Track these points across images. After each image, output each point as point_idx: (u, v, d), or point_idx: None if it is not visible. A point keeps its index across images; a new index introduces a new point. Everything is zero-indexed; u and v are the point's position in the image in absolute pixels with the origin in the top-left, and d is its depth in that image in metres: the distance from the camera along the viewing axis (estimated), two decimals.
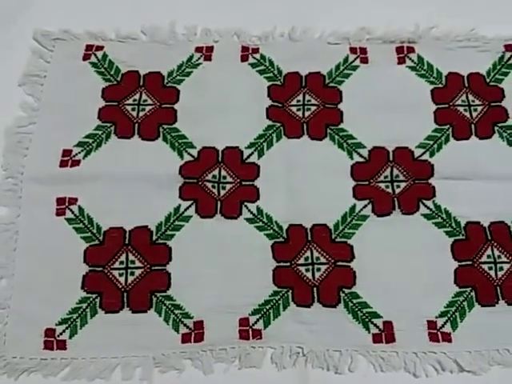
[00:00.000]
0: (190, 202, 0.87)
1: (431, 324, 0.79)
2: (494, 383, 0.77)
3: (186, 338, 0.78)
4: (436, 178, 0.87)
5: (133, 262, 0.83)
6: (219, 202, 0.87)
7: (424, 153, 0.90)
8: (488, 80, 0.97)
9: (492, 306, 0.80)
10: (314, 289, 0.81)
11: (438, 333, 0.79)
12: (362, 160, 0.89)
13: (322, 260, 0.84)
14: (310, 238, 0.85)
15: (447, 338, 0.78)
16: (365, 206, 0.87)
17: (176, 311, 0.80)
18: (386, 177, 0.89)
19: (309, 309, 0.79)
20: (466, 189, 0.86)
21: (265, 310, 0.80)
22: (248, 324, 0.79)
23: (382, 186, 0.88)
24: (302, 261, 0.84)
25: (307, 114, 0.94)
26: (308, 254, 0.84)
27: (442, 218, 0.85)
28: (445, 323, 0.79)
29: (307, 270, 0.83)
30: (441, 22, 1.00)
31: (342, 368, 0.77)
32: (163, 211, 0.86)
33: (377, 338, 0.79)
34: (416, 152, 0.89)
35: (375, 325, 0.80)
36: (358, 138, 0.91)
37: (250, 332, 0.79)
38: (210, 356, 0.77)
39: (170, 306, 0.80)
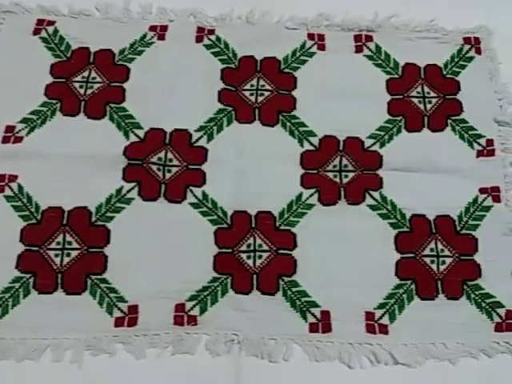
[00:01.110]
0: (132, 184, 0.87)
1: (369, 315, 0.80)
2: (428, 377, 0.78)
3: (119, 322, 0.78)
4: (384, 169, 0.88)
5: (70, 243, 0.84)
6: (163, 186, 0.87)
7: (374, 143, 0.91)
8: (445, 72, 0.98)
9: (431, 299, 0.81)
10: (254, 276, 0.82)
11: (375, 324, 0.80)
12: (312, 148, 0.90)
13: (265, 247, 0.84)
14: (253, 225, 0.86)
15: (384, 329, 0.80)
16: (311, 195, 0.87)
17: (111, 294, 0.80)
18: (334, 166, 0.90)
19: (247, 296, 0.80)
20: (414, 181, 0.87)
21: (202, 297, 0.80)
22: (184, 310, 0.79)
23: (330, 175, 0.89)
24: (244, 248, 0.85)
25: (260, 99, 0.94)
26: (251, 241, 0.85)
27: (387, 209, 0.86)
28: (383, 315, 0.81)
29: (248, 257, 0.84)
30: (401, 11, 1.01)
31: (277, 356, 0.77)
32: (104, 192, 0.86)
33: (313, 328, 0.80)
34: (366, 142, 0.91)
35: (313, 314, 0.80)
36: (309, 126, 0.92)
37: (185, 318, 0.79)
38: (143, 341, 0.78)
39: (104, 289, 0.81)
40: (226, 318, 0.79)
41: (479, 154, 0.90)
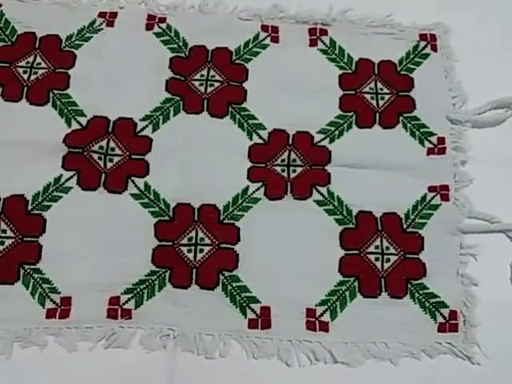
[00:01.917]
0: (72, 173, 0.85)
1: (310, 312, 0.80)
2: (367, 376, 0.78)
3: (50, 314, 0.78)
4: (333, 164, 0.88)
5: (4, 231, 0.83)
6: (104, 175, 0.86)
7: (324, 139, 0.90)
8: (399, 69, 0.98)
9: (374, 297, 0.81)
10: (194, 270, 0.81)
11: (316, 321, 0.80)
12: (260, 142, 0.89)
13: (207, 241, 0.84)
14: (196, 218, 0.86)
15: (324, 327, 0.80)
16: (258, 189, 0.87)
17: (44, 285, 0.79)
18: (283, 160, 0.89)
19: (185, 290, 0.79)
20: (362, 177, 0.87)
21: (138, 290, 0.80)
22: (118, 303, 0.79)
23: (278, 169, 0.88)
24: (185, 241, 0.84)
25: (210, 89, 0.93)
26: (193, 234, 0.85)
27: (333, 205, 0.86)
28: (324, 312, 0.80)
29: (189, 251, 0.84)
30: (356, 5, 1.02)
31: (213, 352, 0.77)
32: (42, 180, 0.84)
33: (252, 324, 0.79)
34: (316, 137, 0.90)
35: (252, 310, 0.80)
36: (259, 119, 0.91)
37: (119, 311, 0.78)
38: (75, 333, 0.77)
39: (38, 280, 0.80)
40: (162, 313, 0.78)
41: (430, 151, 0.89)
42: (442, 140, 0.90)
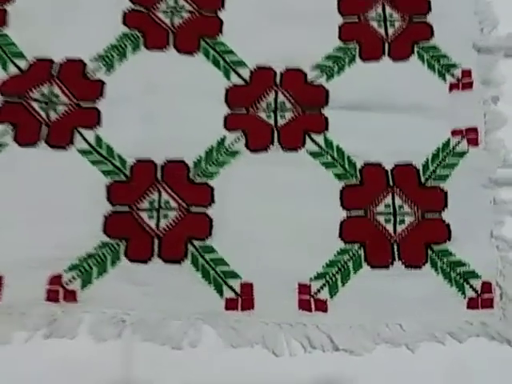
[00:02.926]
0: (7, 126, 0.75)
1: (303, 288, 0.70)
2: (378, 367, 0.68)
3: None
4: (331, 107, 0.78)
5: None
6: (46, 128, 0.76)
7: (320, 76, 0.80)
8: None
9: (385, 267, 0.72)
10: (156, 240, 0.71)
11: (311, 299, 0.70)
12: (241, 82, 0.80)
13: (172, 204, 0.74)
14: (160, 177, 0.75)
15: (322, 306, 0.70)
16: (237, 140, 0.77)
17: None
18: (268, 104, 0.79)
19: (145, 265, 0.70)
20: (368, 122, 0.78)
21: (86, 266, 0.70)
22: (60, 282, 0.69)
23: (263, 115, 0.78)
24: (145, 205, 0.73)
25: (177, 21, 0.82)
26: (155, 196, 0.74)
27: (332, 156, 0.76)
28: (321, 288, 0.71)
29: (150, 217, 0.73)
30: None
31: (181, 342, 0.68)
32: None
33: (231, 304, 0.69)
34: (310, 75, 0.80)
35: (231, 287, 0.70)
36: (239, 55, 0.81)
37: (62, 293, 0.69)
38: (8, 321, 0.67)
39: None
40: (115, 294, 0.69)
41: (453, 87, 0.80)
42: (467, 73, 0.81)
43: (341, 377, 0.68)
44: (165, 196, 0.74)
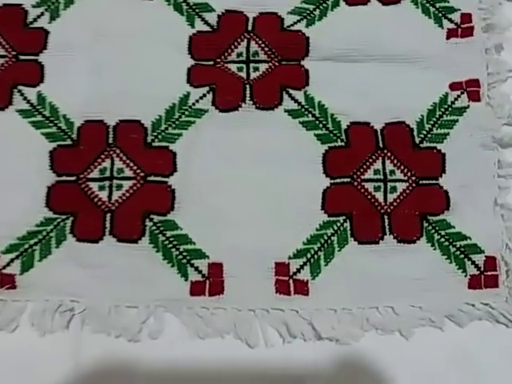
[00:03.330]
0: None
1: (281, 268, 0.63)
2: (367, 357, 0.61)
3: None
4: (312, 58, 0.71)
5: None
6: None
7: (298, 21, 0.72)
8: None
9: (374, 243, 0.64)
10: (108, 215, 0.64)
11: (290, 281, 0.63)
12: (207, 29, 0.72)
13: (127, 173, 0.66)
14: (111, 141, 0.67)
15: (303, 288, 0.63)
16: (203, 96, 0.69)
17: None
18: (239, 55, 0.71)
19: (96, 245, 0.63)
20: (354, 75, 0.71)
21: (26, 246, 0.62)
22: None
23: (233, 67, 0.71)
24: (95, 174, 0.65)
25: None
26: (106, 164, 0.66)
27: (313, 115, 0.69)
28: (301, 267, 0.63)
29: (102, 188, 0.65)
30: None
31: (138, 333, 0.60)
32: None
33: (197, 289, 0.62)
34: (287, 19, 0.72)
35: (197, 268, 0.63)
36: None
37: None
38: None
39: None
40: (61, 278, 0.62)
41: (450, 34, 0.73)
42: (467, 17, 0.73)
43: (325, 369, 0.61)
44: (118, 163, 0.66)
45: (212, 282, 0.62)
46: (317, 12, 0.73)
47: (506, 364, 0.61)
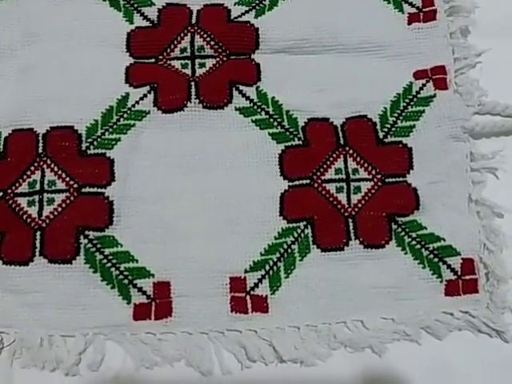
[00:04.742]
0: None
1: (236, 283, 0.58)
2: (335, 377, 0.56)
3: None
4: (263, 50, 0.67)
5: None
6: None
7: (247, 11, 0.68)
8: None
9: (339, 249, 0.60)
10: (38, 233, 0.58)
11: (247, 297, 0.58)
12: (146, 24, 0.68)
13: (59, 185, 0.61)
14: (41, 150, 0.62)
15: (262, 305, 0.58)
16: (143, 97, 0.64)
17: None
18: (183, 50, 0.67)
19: (25, 267, 0.57)
20: (310, 67, 0.67)
21: None
22: None
23: (176, 64, 0.66)
24: (24, 188, 0.60)
25: None
26: (36, 176, 0.61)
27: (267, 113, 0.65)
28: (259, 281, 0.59)
29: (31, 204, 0.60)
30: None
31: (73, 364, 0.54)
32: None
33: (141, 312, 0.57)
34: (234, 10, 0.68)
35: (140, 289, 0.57)
36: None
37: None
38: None
39: None
40: None
41: (412, 19, 0.69)
42: (429, 0, 0.70)
43: None
44: (49, 175, 0.61)
45: (158, 304, 0.57)
46: (266, 1, 0.70)
47: (490, 379, 0.56)
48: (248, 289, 0.58)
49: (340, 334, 0.57)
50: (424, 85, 0.66)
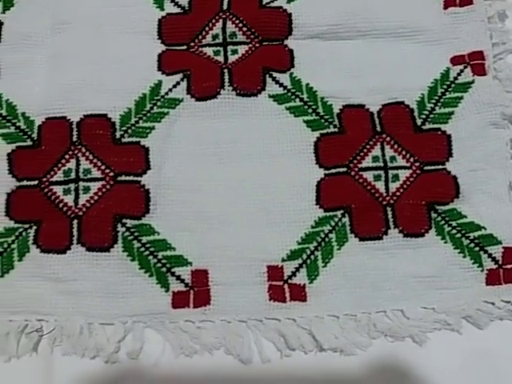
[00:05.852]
0: None
1: (274, 271, 0.59)
2: (376, 368, 0.57)
3: None
4: (296, 36, 0.68)
5: None
6: None
7: None
8: None
9: (377, 238, 0.61)
10: (75, 222, 0.60)
11: (285, 286, 0.59)
12: (177, 11, 0.69)
13: (95, 174, 0.62)
14: (75, 138, 0.64)
15: (300, 294, 0.59)
16: (176, 84, 0.66)
17: None
18: (215, 37, 0.68)
19: (63, 255, 0.59)
20: (344, 53, 0.67)
21: None
22: None
23: (209, 51, 0.68)
24: (59, 176, 0.62)
25: None
26: (71, 164, 0.63)
27: (302, 100, 0.65)
28: (297, 270, 0.60)
29: (67, 192, 0.62)
30: None
31: (112, 352, 0.56)
32: None
33: (180, 300, 0.58)
34: None
35: (179, 277, 0.59)
36: None
37: None
38: None
39: None
40: (25, 295, 0.58)
41: (448, 3, 0.69)
42: None
43: (330, 381, 0.57)
44: (84, 163, 0.62)
45: (197, 292, 0.59)
46: None
47: None
48: (286, 277, 0.60)
49: (380, 323, 0.58)
50: (462, 70, 0.67)
